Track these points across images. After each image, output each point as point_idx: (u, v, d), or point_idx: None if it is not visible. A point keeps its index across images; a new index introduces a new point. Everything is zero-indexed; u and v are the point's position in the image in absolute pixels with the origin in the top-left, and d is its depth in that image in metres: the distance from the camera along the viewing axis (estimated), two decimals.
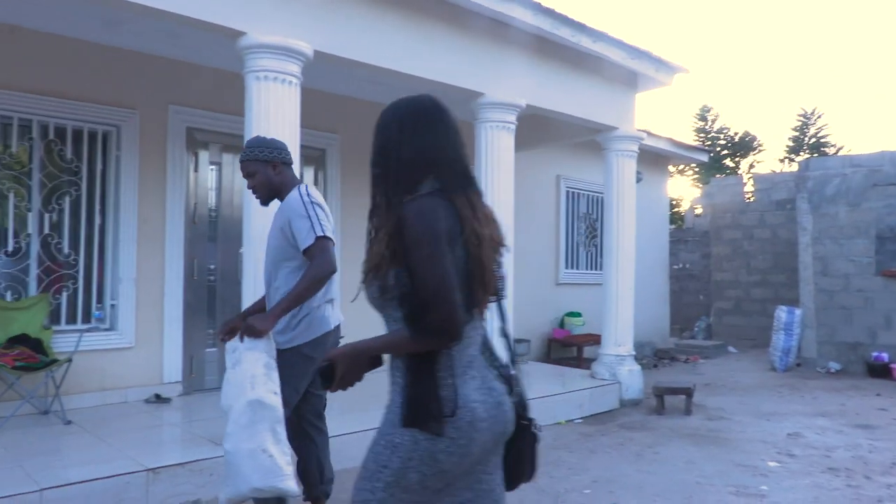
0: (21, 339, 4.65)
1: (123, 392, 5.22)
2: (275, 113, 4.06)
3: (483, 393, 1.63)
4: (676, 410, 6.23)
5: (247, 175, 3.12)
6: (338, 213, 6.69)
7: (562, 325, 9.12)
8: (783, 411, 6.42)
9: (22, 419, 4.53)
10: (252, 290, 3.95)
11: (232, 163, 6.04)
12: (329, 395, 3.20)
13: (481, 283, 1.64)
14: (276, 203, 3.15)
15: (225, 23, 3.97)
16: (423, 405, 1.59)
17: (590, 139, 7.17)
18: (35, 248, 5.07)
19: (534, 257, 8.48)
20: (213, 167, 5.93)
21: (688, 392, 6.24)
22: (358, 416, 4.97)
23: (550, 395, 5.93)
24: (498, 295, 1.74)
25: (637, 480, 4.26)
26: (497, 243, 1.71)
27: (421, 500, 1.64)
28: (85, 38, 5.11)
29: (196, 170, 5.83)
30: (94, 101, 5.24)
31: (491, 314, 1.75)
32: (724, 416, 6.17)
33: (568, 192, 9.46)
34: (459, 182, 1.67)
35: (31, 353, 4.55)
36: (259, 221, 3.78)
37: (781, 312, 9.38)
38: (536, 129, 6.85)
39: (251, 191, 3.17)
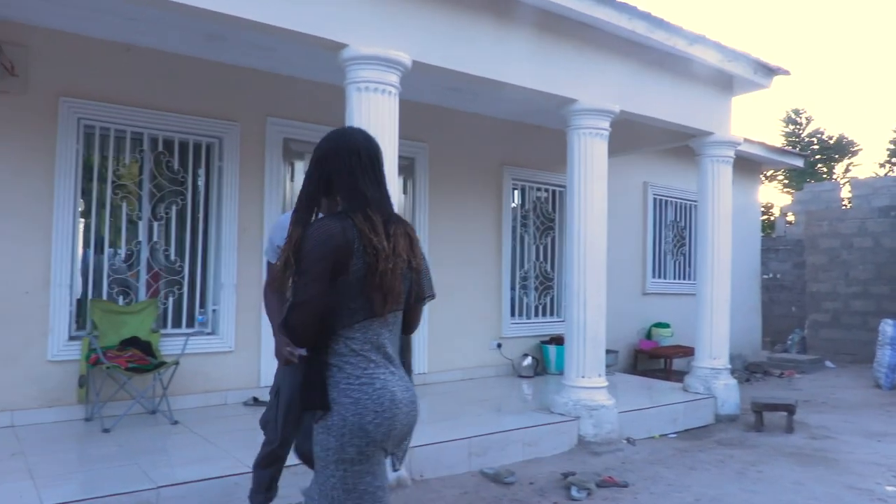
0: (132, 342, 4.89)
1: (224, 394, 5.42)
2: (375, 123, 4.10)
3: (400, 386, 1.93)
4: (776, 428, 5.95)
5: None
6: (426, 220, 6.76)
7: (649, 335, 8.88)
8: (895, 432, 6.02)
9: (132, 418, 4.75)
10: None
11: None
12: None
13: (379, 289, 1.87)
14: None
15: (328, 35, 4.06)
16: (310, 392, 1.90)
17: (680, 145, 6.98)
18: (144, 254, 5.33)
19: (620, 266, 8.29)
20: None
21: (789, 409, 5.95)
22: (442, 426, 4.99)
23: (643, 408, 5.77)
24: (410, 304, 2.03)
25: (743, 500, 4.08)
26: (402, 257, 1.92)
27: (369, 469, 1.89)
28: (190, 54, 5.35)
29: (292, 179, 6.01)
30: (199, 114, 5.47)
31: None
32: (830, 434, 5.84)
33: (655, 199, 9.22)
34: (358, 204, 1.90)
35: (142, 356, 4.77)
36: None
37: (887, 326, 8.83)
38: (624, 135, 6.70)
39: None
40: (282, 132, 5.86)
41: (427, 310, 6.69)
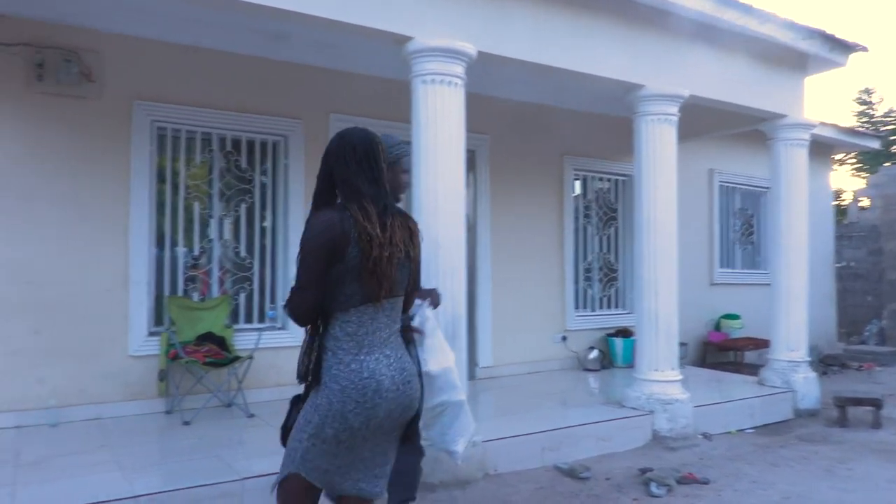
0: (207, 337, 5.01)
1: (298, 388, 5.47)
2: (441, 115, 4.09)
3: (392, 369, 2.07)
4: (861, 423, 5.68)
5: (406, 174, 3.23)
6: (488, 213, 6.72)
7: (717, 327, 8.63)
8: None
9: (210, 411, 4.87)
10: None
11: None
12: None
13: (373, 276, 2.01)
14: None
15: (394, 29, 4.05)
16: (305, 370, 2.11)
17: (750, 129, 6.73)
18: (216, 252, 5.45)
19: (686, 257, 7.99)
20: None
21: (876, 403, 5.67)
22: (513, 420, 4.95)
23: (718, 402, 5.60)
24: (408, 292, 2.21)
25: (834, 499, 3.91)
26: (399, 246, 2.07)
27: (334, 451, 2.05)
28: (254, 53, 5.42)
29: None
30: (264, 112, 5.55)
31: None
32: None
33: (721, 186, 8.94)
34: (354, 196, 2.07)
35: (218, 350, 4.88)
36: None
37: None
38: (690, 121, 6.47)
39: (405, 190, 3.24)
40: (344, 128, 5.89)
41: (490, 302, 6.68)
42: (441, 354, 2.82)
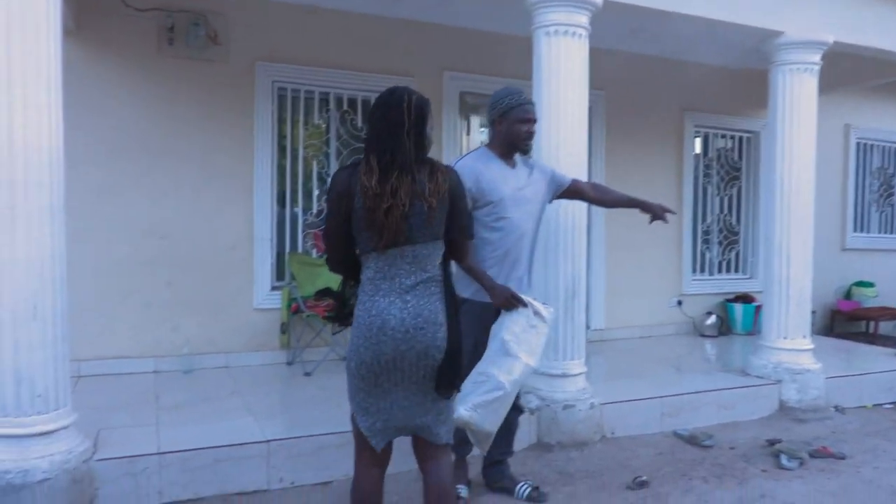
0: (326, 293, 5.14)
1: None
2: (564, 69, 3.95)
3: (405, 313, 2.16)
4: None
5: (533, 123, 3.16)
6: (602, 172, 6.50)
7: (848, 295, 8.04)
8: None
9: (329, 364, 5.02)
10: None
11: None
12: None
13: (372, 225, 2.13)
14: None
15: None
16: (335, 309, 2.55)
17: (893, 80, 6.11)
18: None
19: (815, 219, 7.48)
20: (482, 130, 6.04)
21: None
22: (629, 383, 4.83)
23: (852, 374, 5.26)
24: (451, 239, 2.30)
25: None
26: (402, 199, 2.12)
27: (363, 388, 2.22)
28: (371, 12, 5.41)
29: (468, 134, 5.98)
30: (378, 71, 5.54)
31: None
32: None
33: (858, 143, 8.23)
34: (367, 151, 2.21)
35: (337, 305, 5.00)
36: None
37: None
38: (825, 71, 5.99)
39: (527, 141, 3.16)
40: (458, 86, 5.83)
41: (604, 264, 6.50)
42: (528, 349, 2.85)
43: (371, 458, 2.31)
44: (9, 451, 2.76)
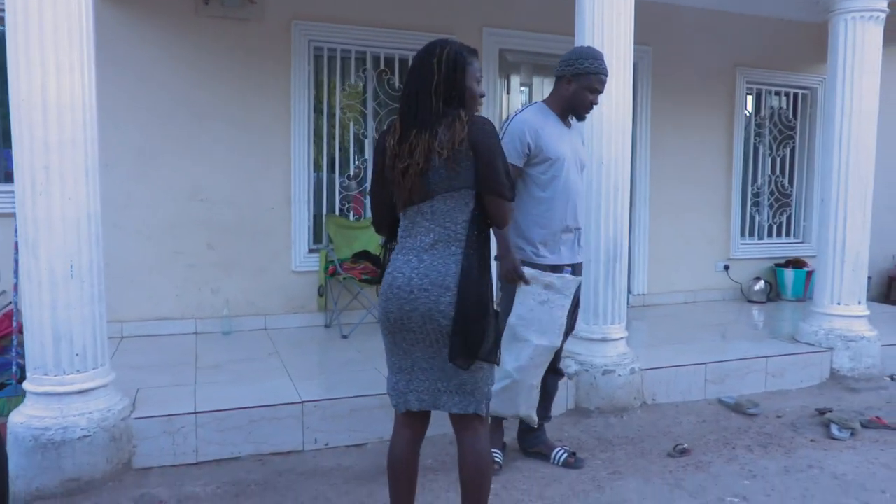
0: (363, 255, 5.12)
1: None
2: (608, 21, 3.76)
3: (415, 272, 2.10)
4: None
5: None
6: (647, 132, 6.28)
7: None
8: None
9: (366, 326, 5.01)
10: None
11: (541, 85, 5.91)
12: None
13: (394, 184, 2.14)
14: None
15: None
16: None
17: None
18: (371, 171, 5.50)
19: (875, 178, 7.16)
20: (523, 89, 5.87)
21: None
22: (672, 349, 4.70)
23: None
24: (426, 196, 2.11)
25: None
26: (415, 159, 2.06)
27: (386, 344, 2.23)
28: None
29: (508, 92, 5.82)
30: (416, 28, 5.40)
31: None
32: None
33: None
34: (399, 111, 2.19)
35: (373, 268, 4.98)
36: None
37: None
38: (890, 20, 5.59)
39: (589, 110, 3.02)
40: (497, 42, 5.65)
41: (647, 227, 6.32)
42: (543, 327, 2.80)
43: (404, 420, 2.26)
44: (49, 409, 2.81)
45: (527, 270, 2.78)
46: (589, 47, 3.03)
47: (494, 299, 2.20)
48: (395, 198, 2.17)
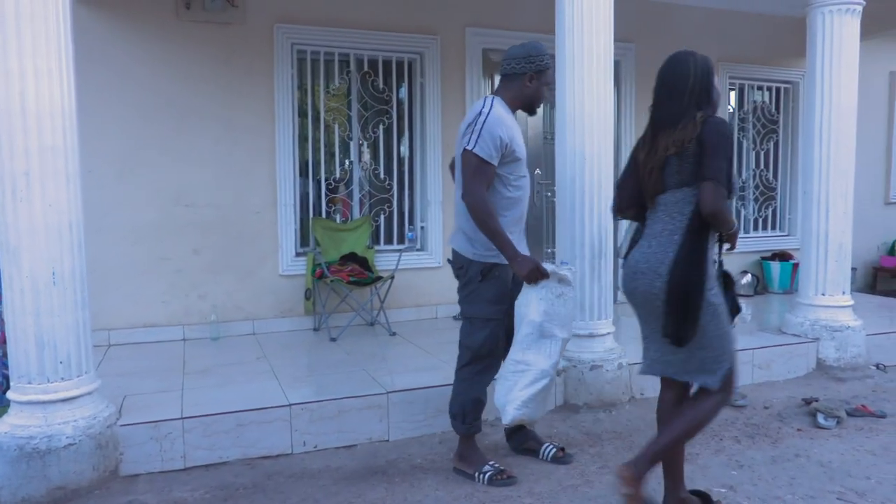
0: (350, 258, 5.12)
1: (434, 308, 5.55)
2: (588, 20, 3.78)
3: (643, 255, 2.40)
4: None
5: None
6: (632, 129, 6.30)
7: (892, 251, 7.76)
8: None
9: (354, 329, 5.03)
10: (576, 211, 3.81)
11: None
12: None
13: (643, 181, 2.46)
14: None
15: None
16: None
17: None
18: (357, 174, 5.51)
19: (857, 171, 7.19)
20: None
21: None
22: None
23: (894, 331, 5.03)
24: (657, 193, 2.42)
25: None
26: (658, 154, 2.37)
27: (635, 312, 2.54)
28: None
29: (492, 92, 5.81)
30: (400, 30, 5.42)
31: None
32: None
33: None
34: None
35: (361, 270, 4.98)
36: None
37: None
38: (869, 14, 5.64)
39: (541, 104, 3.07)
40: (481, 42, 5.66)
41: (634, 224, 6.36)
42: (565, 322, 2.88)
43: (663, 383, 2.60)
44: (33, 417, 2.79)
45: (545, 265, 2.78)
46: (537, 42, 2.96)
47: (708, 287, 2.32)
48: (643, 191, 2.46)
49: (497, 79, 5.74)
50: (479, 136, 2.73)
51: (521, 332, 2.78)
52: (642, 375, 2.58)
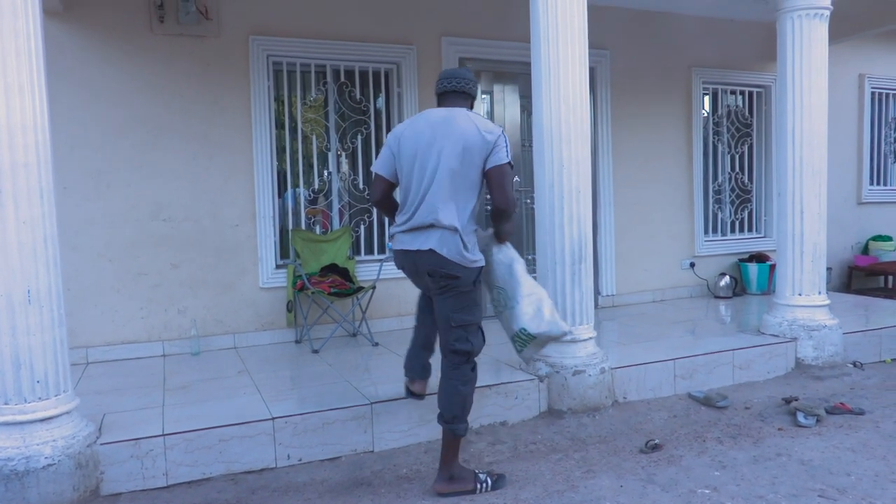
0: (331, 269, 5.10)
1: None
2: (563, 27, 3.81)
3: None
4: None
5: None
6: (608, 134, 6.37)
7: (865, 250, 7.89)
8: None
9: (337, 340, 5.01)
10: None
11: (502, 92, 5.97)
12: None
13: None
14: None
15: None
16: None
17: None
18: (336, 184, 5.50)
19: (830, 173, 7.27)
20: (484, 97, 5.91)
21: None
22: (641, 347, 4.75)
23: (870, 329, 5.11)
24: None
25: None
26: None
27: None
28: None
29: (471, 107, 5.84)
30: (377, 40, 5.43)
31: None
32: None
33: (873, 93, 7.99)
34: None
35: (342, 281, 4.96)
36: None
37: None
38: (838, 17, 5.74)
39: None
40: (457, 51, 5.69)
41: (613, 229, 6.40)
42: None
43: None
44: (11, 438, 2.74)
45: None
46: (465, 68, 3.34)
47: None
48: None
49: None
50: (508, 150, 2.97)
51: (517, 271, 3.20)
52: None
